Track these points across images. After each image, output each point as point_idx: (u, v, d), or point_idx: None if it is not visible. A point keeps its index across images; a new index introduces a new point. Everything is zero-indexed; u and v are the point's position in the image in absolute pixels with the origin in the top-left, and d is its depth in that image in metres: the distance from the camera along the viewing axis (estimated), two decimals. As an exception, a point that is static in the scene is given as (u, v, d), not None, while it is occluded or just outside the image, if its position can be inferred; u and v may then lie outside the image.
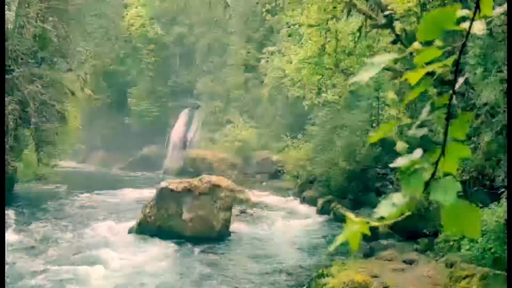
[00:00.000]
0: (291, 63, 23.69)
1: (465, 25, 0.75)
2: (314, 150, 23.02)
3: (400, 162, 0.81)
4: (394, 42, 16.37)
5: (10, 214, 16.69)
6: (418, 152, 0.80)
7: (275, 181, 31.11)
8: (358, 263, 10.81)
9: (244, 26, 40.31)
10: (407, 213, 0.81)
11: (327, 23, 17.52)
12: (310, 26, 18.28)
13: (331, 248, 0.94)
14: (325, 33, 18.16)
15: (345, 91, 20.78)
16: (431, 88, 0.82)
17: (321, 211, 20.19)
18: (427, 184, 0.77)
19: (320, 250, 14.14)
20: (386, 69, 19.14)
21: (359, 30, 17.30)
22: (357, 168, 19.08)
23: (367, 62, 0.91)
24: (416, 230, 13.24)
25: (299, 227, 17.36)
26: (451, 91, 0.75)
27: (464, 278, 7.77)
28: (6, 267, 10.77)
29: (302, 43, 20.27)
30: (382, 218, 0.84)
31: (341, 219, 18.54)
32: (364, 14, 16.21)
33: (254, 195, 24.29)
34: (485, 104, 8.98)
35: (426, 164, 0.78)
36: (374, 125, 20.76)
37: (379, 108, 20.60)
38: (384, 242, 13.46)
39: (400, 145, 0.83)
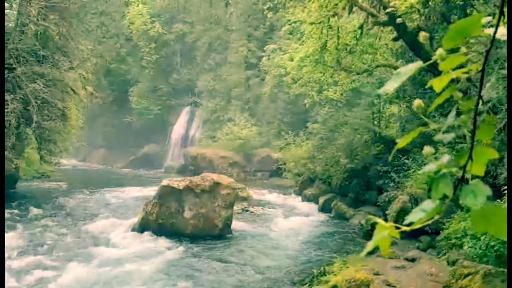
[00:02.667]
0: (292, 60, 23.71)
1: (488, 31, 0.77)
2: (315, 148, 23.04)
3: (428, 167, 0.82)
4: (396, 39, 16.36)
5: (12, 212, 16.73)
6: (445, 157, 0.81)
7: (276, 179, 31.18)
8: (360, 260, 10.82)
9: (245, 24, 40.28)
10: (436, 218, 0.83)
11: (328, 21, 17.49)
12: (311, 23, 18.26)
13: (363, 253, 0.95)
14: (327, 31, 18.13)
15: (346, 88, 20.79)
16: (456, 93, 0.83)
17: (322, 209, 20.22)
18: (456, 188, 0.79)
19: (321, 248, 14.16)
20: (387, 66, 19.16)
21: (361, 27, 17.28)
22: (358, 166, 19.10)
23: (394, 73, 0.92)
24: (418, 228, 13.25)
25: (300, 225, 17.38)
26: (477, 97, 0.77)
27: (466, 276, 7.77)
28: (9, 265, 10.81)
29: (303, 41, 20.26)
30: (411, 223, 0.86)
31: (342, 217, 18.58)
32: (365, 11, 16.18)
33: (255, 193, 24.32)
34: (488, 101, 8.99)
35: (454, 168, 0.79)
36: (375, 122, 20.77)
37: (380, 105, 20.60)
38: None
39: (427, 150, 0.84)
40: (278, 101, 35.79)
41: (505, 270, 7.22)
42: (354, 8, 17.26)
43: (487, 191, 0.75)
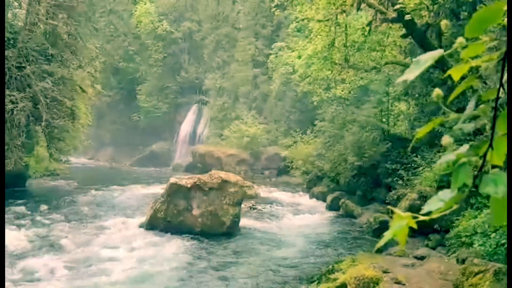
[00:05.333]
0: (300, 58, 23.66)
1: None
2: (323, 145, 22.96)
3: (447, 157, 0.81)
4: (404, 36, 16.26)
5: (22, 209, 16.86)
6: (465, 147, 0.80)
7: (284, 176, 31.14)
8: (369, 258, 10.79)
9: (253, 22, 40.24)
10: (455, 207, 0.82)
11: (336, 18, 17.43)
12: (319, 20, 18.19)
13: (379, 244, 0.94)
14: (334, 28, 18.07)
15: (355, 86, 20.71)
16: (477, 82, 0.82)
17: (330, 207, 20.16)
18: (475, 177, 0.77)
19: (330, 246, 14.14)
20: (395, 63, 19.06)
21: (369, 24, 17.20)
22: (366, 163, 19.01)
23: (413, 61, 0.90)
24: (427, 226, 13.19)
25: (308, 223, 17.35)
26: (498, 85, 0.76)
27: (477, 274, 7.72)
28: (18, 262, 10.90)
29: (311, 38, 20.19)
30: (429, 212, 0.84)
31: (350, 215, 18.53)
32: (374, 8, 16.10)
33: (263, 191, 24.32)
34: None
35: (473, 157, 0.78)
36: (384, 120, 20.66)
37: (389, 103, 20.49)
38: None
39: (446, 139, 0.83)
40: (286, 99, 35.72)
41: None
42: (362, 5, 17.20)
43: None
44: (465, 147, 0.80)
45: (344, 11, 17.40)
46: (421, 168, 15.16)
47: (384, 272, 9.15)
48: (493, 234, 8.49)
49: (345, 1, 16.86)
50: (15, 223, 14.84)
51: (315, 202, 21.81)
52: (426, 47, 15.01)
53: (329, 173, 21.62)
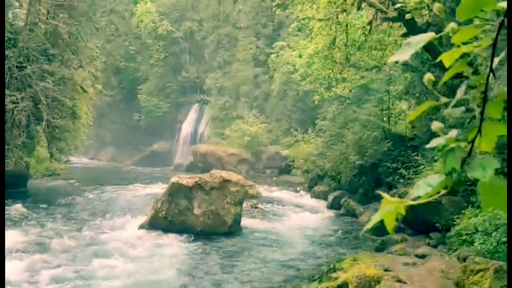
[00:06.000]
0: (300, 57, 23.68)
1: (503, 4, 0.75)
2: (324, 144, 22.96)
3: (436, 141, 0.81)
4: (405, 35, 16.24)
5: (23, 209, 16.88)
6: (454, 132, 0.80)
7: (285, 176, 31.15)
8: (370, 257, 10.78)
9: (253, 21, 40.25)
10: (443, 192, 0.81)
11: (337, 17, 17.42)
12: (320, 20, 18.18)
13: (367, 227, 0.94)
14: (335, 27, 18.06)
15: (355, 85, 20.71)
16: (467, 68, 0.81)
17: (331, 206, 20.17)
18: (464, 162, 0.77)
19: (331, 245, 14.13)
20: (397, 62, 19.03)
21: (370, 23, 17.18)
22: (367, 162, 19.00)
23: (404, 42, 0.90)
24: (428, 224, 13.18)
25: (309, 222, 17.36)
26: (488, 70, 0.75)
27: (478, 272, 7.71)
28: (20, 262, 10.91)
29: (312, 37, 20.19)
30: (418, 197, 0.84)
31: (351, 214, 18.52)
32: (374, 7, 16.07)
33: (264, 190, 24.32)
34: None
35: (462, 142, 0.78)
36: (385, 119, 20.65)
37: (390, 102, 20.47)
38: (396, 236, 13.41)
39: (436, 125, 0.83)
40: (287, 98, 35.73)
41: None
42: (363, 4, 17.17)
43: (496, 163, 0.74)
44: (454, 132, 0.80)
45: (345, 10, 17.39)
46: (422, 166, 15.13)
47: (386, 270, 9.15)
48: (494, 233, 8.48)
49: (345, 0, 16.85)
50: (15, 223, 14.86)
51: (316, 201, 21.81)
52: (426, 46, 15.00)
53: (330, 172, 21.61)
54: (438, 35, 0.87)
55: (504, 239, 8.14)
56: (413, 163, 15.79)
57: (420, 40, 0.85)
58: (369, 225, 0.89)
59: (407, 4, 14.01)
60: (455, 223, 11.36)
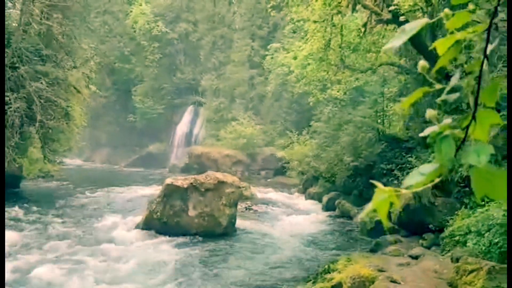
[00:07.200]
0: (296, 59, 23.69)
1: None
2: (319, 146, 22.99)
3: (430, 129, 0.81)
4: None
5: (16, 211, 16.78)
6: (448, 119, 0.80)
7: (280, 177, 31.15)
8: (364, 258, 10.80)
9: (249, 23, 40.27)
10: (437, 181, 0.81)
11: (332, 19, 17.48)
12: (315, 21, 18.23)
13: (362, 215, 0.94)
14: (330, 29, 18.12)
15: (350, 87, 20.76)
16: (461, 55, 0.81)
17: (326, 207, 20.19)
18: (458, 148, 0.77)
19: (325, 246, 14.14)
20: (391, 64, 19.11)
21: (364, 25, 17.25)
22: (362, 164, 19.03)
23: (398, 30, 0.90)
24: (421, 225, 13.24)
25: (304, 223, 17.36)
26: (482, 56, 0.75)
27: (471, 272, 7.74)
28: (9, 263, 10.84)
29: (307, 39, 20.23)
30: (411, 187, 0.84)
31: (346, 215, 18.54)
32: (369, 9, 16.14)
33: (259, 192, 24.31)
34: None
35: (456, 130, 0.78)
36: (379, 121, 20.71)
37: (384, 103, 20.54)
38: (389, 237, 13.45)
39: (430, 112, 0.83)
40: (282, 99, 35.76)
41: (510, 266, 7.17)
42: (358, 6, 17.23)
43: (491, 150, 0.74)
44: (448, 120, 0.80)
45: (340, 12, 17.45)
46: (416, 168, 15.18)
47: (380, 271, 9.16)
48: (487, 233, 8.52)
49: (340, 2, 16.90)
50: (7, 224, 14.76)
51: (311, 203, 21.82)
52: (421, 48, 15.06)
53: (325, 173, 21.63)
54: (432, 21, 0.87)
55: (497, 240, 8.18)
56: (408, 165, 15.84)
57: (414, 26, 0.85)
58: (363, 214, 0.89)
59: (402, 6, 14.08)
60: (448, 224, 11.40)
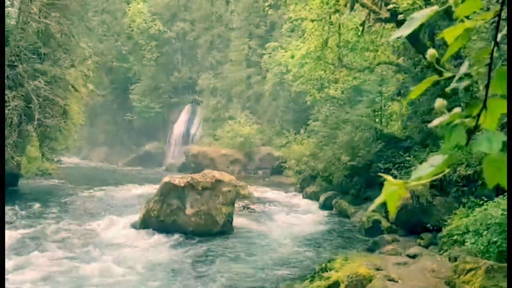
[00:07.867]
0: (293, 58, 23.70)
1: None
2: (316, 145, 22.99)
3: (440, 119, 0.80)
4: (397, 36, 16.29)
5: (14, 209, 16.73)
6: (458, 108, 0.79)
7: (277, 176, 31.12)
8: (362, 257, 10.82)
9: (246, 22, 40.23)
10: (446, 171, 0.81)
11: (329, 17, 17.47)
12: (313, 20, 18.22)
13: (371, 209, 0.94)
14: (328, 28, 18.10)
15: (348, 86, 20.76)
16: (469, 44, 0.81)
17: (323, 206, 20.18)
18: (469, 136, 0.77)
19: (322, 245, 14.15)
20: (388, 63, 19.12)
21: (362, 24, 17.25)
22: (360, 163, 19.04)
23: (408, 18, 0.89)
24: (419, 225, 13.26)
25: (301, 223, 17.35)
26: (493, 44, 0.75)
27: (469, 271, 7.75)
28: (11, 262, 10.81)
29: (305, 38, 20.21)
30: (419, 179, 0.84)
31: (343, 214, 18.55)
32: (367, 8, 16.15)
33: (256, 191, 24.29)
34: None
35: (467, 118, 0.77)
36: (377, 120, 20.72)
37: (382, 103, 20.56)
38: (387, 237, 13.47)
39: (439, 102, 0.82)
40: (279, 99, 35.74)
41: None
42: (356, 5, 17.24)
43: (502, 137, 0.73)
44: (458, 109, 0.80)
45: (338, 11, 17.45)
46: (413, 167, 15.20)
47: (377, 270, 9.17)
48: (485, 232, 8.53)
49: (338, 1, 16.90)
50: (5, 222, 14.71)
51: (308, 202, 21.81)
52: (419, 47, 15.08)
53: (322, 172, 21.63)
54: (441, 8, 0.87)
55: (495, 239, 8.19)
56: (405, 164, 15.86)
57: (424, 14, 0.85)
58: (373, 207, 0.89)
59: (400, 5, 14.09)
60: (446, 223, 11.43)
